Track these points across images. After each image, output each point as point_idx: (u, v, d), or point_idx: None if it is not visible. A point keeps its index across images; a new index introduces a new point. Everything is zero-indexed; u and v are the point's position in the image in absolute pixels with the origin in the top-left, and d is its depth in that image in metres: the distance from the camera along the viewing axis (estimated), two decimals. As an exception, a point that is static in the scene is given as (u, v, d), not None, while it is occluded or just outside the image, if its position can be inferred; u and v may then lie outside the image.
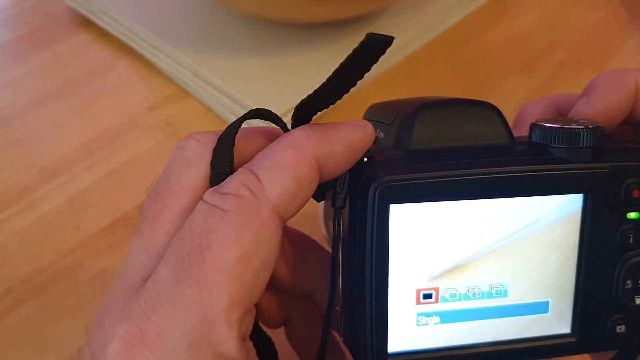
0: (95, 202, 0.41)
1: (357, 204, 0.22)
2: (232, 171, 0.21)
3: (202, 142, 0.22)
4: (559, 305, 0.24)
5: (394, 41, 0.19)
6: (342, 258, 0.23)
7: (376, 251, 0.22)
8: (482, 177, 0.22)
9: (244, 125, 0.22)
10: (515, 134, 0.24)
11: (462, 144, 0.23)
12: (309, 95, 0.21)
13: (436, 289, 0.23)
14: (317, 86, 0.21)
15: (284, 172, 0.20)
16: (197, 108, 0.47)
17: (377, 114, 0.27)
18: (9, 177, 0.42)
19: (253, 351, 0.25)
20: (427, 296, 0.23)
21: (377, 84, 0.47)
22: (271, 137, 0.23)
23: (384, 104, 0.28)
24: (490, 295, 0.23)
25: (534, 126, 0.24)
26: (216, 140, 0.22)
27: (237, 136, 0.22)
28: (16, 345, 0.34)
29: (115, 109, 0.47)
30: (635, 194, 0.23)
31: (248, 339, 0.22)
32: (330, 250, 0.23)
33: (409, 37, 0.50)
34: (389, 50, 0.20)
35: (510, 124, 0.25)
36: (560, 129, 0.23)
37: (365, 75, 0.21)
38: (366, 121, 0.22)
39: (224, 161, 0.21)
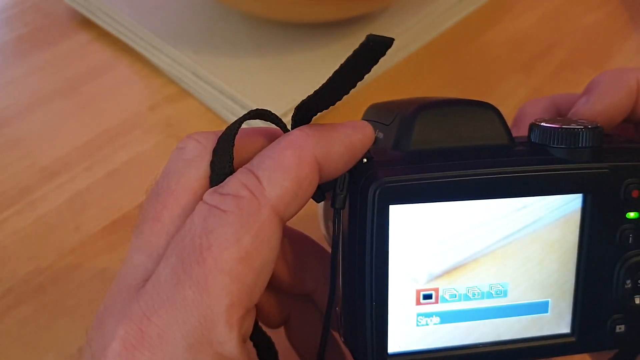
0: (95, 202, 0.41)
1: (357, 205, 0.22)
2: (232, 171, 0.21)
3: (202, 143, 0.22)
4: (558, 305, 0.24)
5: (395, 41, 0.19)
6: (342, 258, 0.23)
7: (376, 252, 0.22)
8: (482, 177, 0.22)
9: (244, 125, 0.22)
10: (514, 134, 0.24)
11: (461, 144, 0.23)
12: (309, 96, 0.21)
13: (436, 290, 0.23)
14: (317, 86, 0.21)
15: (283, 172, 0.20)
16: (197, 108, 0.47)
17: (376, 114, 0.27)
18: (9, 177, 0.42)
19: (253, 351, 0.25)
20: (427, 297, 0.23)
21: (377, 84, 0.47)
22: (271, 138, 0.23)
23: (383, 104, 0.28)
24: (490, 295, 0.23)
25: (533, 126, 0.24)
26: (216, 141, 0.22)
27: (237, 136, 0.22)
28: (16, 345, 0.34)
29: (115, 109, 0.47)
30: (635, 193, 0.23)
31: (248, 340, 0.22)
32: (330, 250, 0.23)
33: (409, 37, 0.50)
34: (389, 50, 0.20)
35: (509, 124, 0.25)
36: (560, 129, 0.23)
37: (365, 76, 0.21)
38: (366, 122, 0.22)
39: (223, 161, 0.21)
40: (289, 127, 0.23)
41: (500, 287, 0.23)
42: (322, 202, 0.27)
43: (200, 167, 0.21)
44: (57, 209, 0.40)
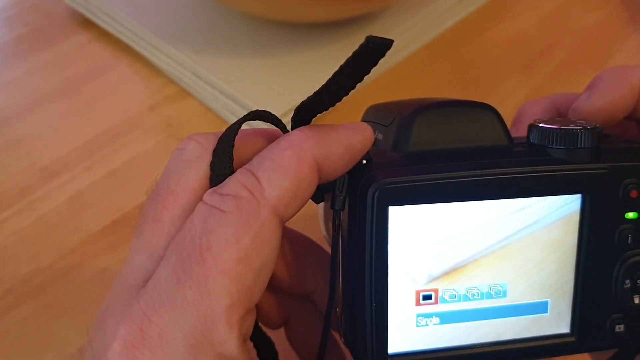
0: (95, 202, 0.41)
1: (356, 206, 0.22)
2: (231, 172, 0.21)
3: (202, 144, 0.22)
4: (558, 305, 0.24)
5: (395, 41, 0.19)
6: (341, 259, 0.23)
7: (375, 253, 0.22)
8: (481, 178, 0.22)
9: (244, 126, 0.22)
10: (514, 134, 0.24)
11: (460, 145, 0.23)
12: (308, 97, 0.21)
13: (436, 290, 0.23)
14: (317, 86, 0.21)
15: (283, 173, 0.20)
16: (197, 108, 0.47)
17: (375, 115, 0.27)
18: (9, 177, 0.42)
19: (254, 352, 0.25)
20: (427, 297, 0.23)
21: (377, 85, 0.47)
22: (271, 139, 0.23)
23: (382, 105, 0.28)
24: (489, 295, 0.23)
25: (532, 127, 0.24)
26: (216, 142, 0.22)
27: (237, 137, 0.22)
28: (16, 345, 0.34)
29: (115, 109, 0.47)
30: (634, 194, 0.23)
31: (249, 340, 0.22)
32: (329, 250, 0.23)
33: (409, 37, 0.50)
34: (389, 50, 0.20)
35: (509, 124, 0.25)
36: (558, 130, 0.23)
37: (364, 77, 0.21)
38: (366, 124, 0.22)
39: (223, 162, 0.21)
40: (288, 127, 0.23)
41: (500, 288, 0.23)
42: (322, 203, 0.27)
43: (200, 168, 0.21)
44: (57, 209, 0.40)
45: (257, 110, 0.23)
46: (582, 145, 0.23)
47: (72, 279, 0.37)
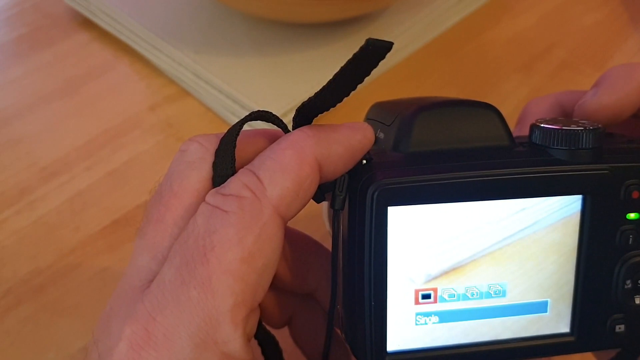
0: (95, 202, 0.41)
1: (356, 206, 0.22)
2: (234, 172, 0.21)
3: (204, 145, 0.22)
4: (558, 305, 0.24)
5: (395, 42, 0.19)
6: (342, 258, 0.23)
7: (375, 253, 0.22)
8: (481, 179, 0.22)
9: (246, 127, 0.22)
10: (518, 132, 0.24)
11: (461, 145, 0.23)
12: (309, 97, 0.21)
13: (435, 290, 0.23)
14: (317, 86, 0.21)
15: (284, 172, 0.20)
16: (197, 108, 0.47)
17: (378, 113, 0.27)
18: (9, 177, 0.42)
19: (258, 350, 0.25)
20: (426, 296, 0.23)
21: (378, 84, 0.47)
22: (272, 139, 0.23)
23: (386, 103, 0.28)
24: (488, 295, 0.23)
25: (533, 127, 0.24)
26: (218, 143, 0.22)
27: (238, 138, 0.22)
28: (16, 345, 0.34)
29: (115, 109, 0.47)
30: (635, 194, 0.23)
31: (253, 339, 0.22)
32: (331, 248, 0.23)
33: (409, 37, 0.50)
34: (388, 53, 0.20)
35: (510, 123, 0.25)
36: (560, 130, 0.23)
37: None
38: (366, 124, 0.22)
39: (225, 162, 0.21)
40: (290, 128, 0.23)
41: (499, 287, 0.23)
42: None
43: (203, 169, 0.22)
44: (57, 209, 0.40)
45: (258, 110, 0.23)
46: (584, 146, 0.23)
47: (72, 279, 0.37)
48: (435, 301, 0.23)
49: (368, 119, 0.28)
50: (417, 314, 0.23)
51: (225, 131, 0.22)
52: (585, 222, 0.23)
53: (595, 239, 0.23)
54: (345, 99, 0.22)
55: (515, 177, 0.22)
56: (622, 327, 0.24)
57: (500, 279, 0.23)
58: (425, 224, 0.22)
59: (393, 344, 0.23)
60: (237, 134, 0.22)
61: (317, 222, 0.37)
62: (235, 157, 0.22)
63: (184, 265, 0.19)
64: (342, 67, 0.20)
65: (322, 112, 0.22)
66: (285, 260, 0.26)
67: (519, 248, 0.23)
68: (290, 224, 0.22)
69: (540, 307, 0.24)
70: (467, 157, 0.23)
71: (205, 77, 0.46)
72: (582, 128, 0.23)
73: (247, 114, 0.23)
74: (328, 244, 0.27)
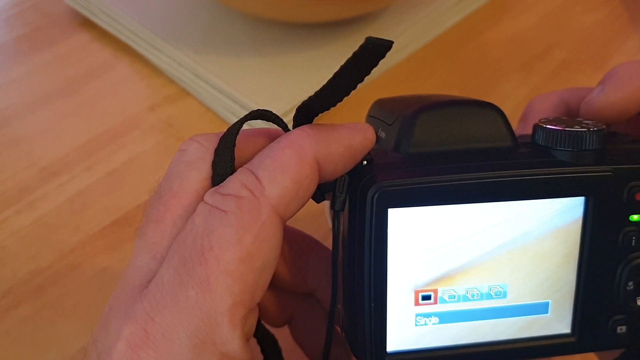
0: (95, 202, 0.41)
1: (356, 208, 0.22)
2: (233, 171, 0.21)
3: (204, 145, 0.22)
4: (559, 306, 0.24)
5: (395, 42, 0.19)
6: (342, 258, 0.23)
7: (374, 254, 0.22)
8: (482, 181, 0.22)
9: (246, 126, 0.22)
10: (521, 131, 0.24)
11: (462, 146, 0.23)
12: (309, 97, 0.21)
13: (435, 291, 0.23)
14: (317, 86, 0.21)
15: (283, 172, 0.20)
16: (197, 108, 0.47)
17: (380, 111, 0.27)
18: (9, 177, 0.42)
19: (257, 349, 0.25)
20: (426, 297, 0.23)
21: (378, 84, 0.47)
22: (272, 138, 0.23)
23: (387, 100, 0.28)
24: (489, 296, 0.23)
25: (536, 127, 0.24)
26: (218, 142, 0.22)
27: (238, 137, 0.22)
28: (16, 345, 0.34)
29: (115, 109, 0.47)
30: (638, 196, 0.23)
31: (252, 338, 0.22)
32: (331, 247, 0.23)
33: (409, 37, 0.50)
34: (389, 52, 0.20)
35: (511, 123, 0.24)
36: (563, 132, 0.23)
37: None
38: (368, 125, 0.22)
39: (225, 162, 0.21)
40: (290, 127, 0.23)
41: (500, 289, 0.23)
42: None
43: (202, 169, 0.21)
44: (57, 209, 0.40)
45: (258, 109, 0.23)
46: (587, 147, 0.22)
47: (72, 279, 0.37)
48: (435, 302, 0.23)
49: (369, 117, 0.27)
50: (417, 315, 0.23)
51: (225, 130, 0.22)
52: (588, 224, 0.23)
53: (597, 240, 0.23)
54: (346, 98, 0.21)
55: (518, 179, 0.22)
56: (624, 328, 0.24)
57: (501, 280, 0.23)
58: (426, 226, 0.22)
59: (393, 345, 0.23)
60: (237, 133, 0.22)
61: (317, 222, 0.37)
62: (235, 157, 0.21)
63: (182, 266, 0.19)
64: (342, 66, 0.20)
65: (322, 111, 0.22)
66: (285, 260, 0.26)
67: (521, 250, 0.23)
68: (290, 222, 0.22)
69: (541, 308, 0.24)
70: (468, 158, 0.23)
71: (205, 77, 0.46)
72: (585, 129, 0.23)
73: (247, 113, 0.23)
74: (328, 243, 0.27)
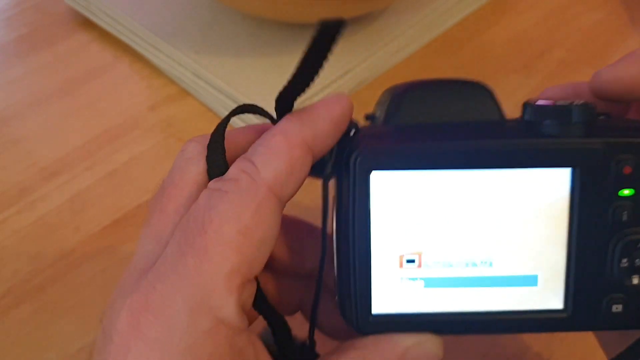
0: (95, 202, 0.41)
1: (342, 173, 0.23)
2: (225, 163, 0.23)
3: (202, 143, 0.24)
4: (549, 280, 0.23)
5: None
6: (335, 224, 0.24)
7: (358, 217, 0.22)
8: (467, 147, 0.22)
9: (241, 123, 0.23)
10: None
11: (450, 119, 0.24)
12: (284, 85, 0.23)
13: (419, 254, 0.23)
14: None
15: (276, 156, 0.22)
16: (197, 108, 0.47)
17: (382, 96, 0.27)
18: (9, 177, 0.42)
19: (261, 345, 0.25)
20: (410, 261, 0.23)
21: (378, 84, 0.47)
22: (262, 131, 0.24)
23: (392, 86, 0.28)
24: (474, 264, 0.23)
25: (525, 105, 0.24)
26: None
27: (234, 134, 0.24)
28: (16, 345, 0.34)
29: (115, 109, 0.47)
30: (627, 170, 0.22)
31: (250, 313, 0.22)
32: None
33: (408, 37, 0.50)
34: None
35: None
36: (552, 106, 0.23)
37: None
38: (340, 93, 0.24)
39: (217, 154, 0.23)
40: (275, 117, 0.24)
41: (486, 258, 0.23)
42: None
43: (201, 163, 0.23)
44: (57, 209, 0.40)
45: (244, 104, 0.25)
46: (574, 120, 0.22)
47: (72, 279, 0.37)
48: (419, 266, 0.23)
49: (376, 104, 0.28)
50: (402, 278, 0.23)
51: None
52: (575, 197, 0.23)
53: (586, 215, 0.23)
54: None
55: (504, 147, 0.22)
56: (620, 307, 0.23)
57: (487, 249, 0.23)
58: (409, 190, 0.22)
59: (378, 307, 0.23)
60: (225, 127, 0.24)
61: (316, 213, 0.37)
62: (228, 149, 0.23)
63: (184, 239, 0.21)
64: (305, 51, 0.21)
65: (298, 95, 0.23)
66: (284, 244, 0.27)
67: (506, 219, 0.23)
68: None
69: (529, 281, 0.23)
70: (455, 127, 0.23)
71: (205, 77, 0.46)
72: (571, 103, 0.23)
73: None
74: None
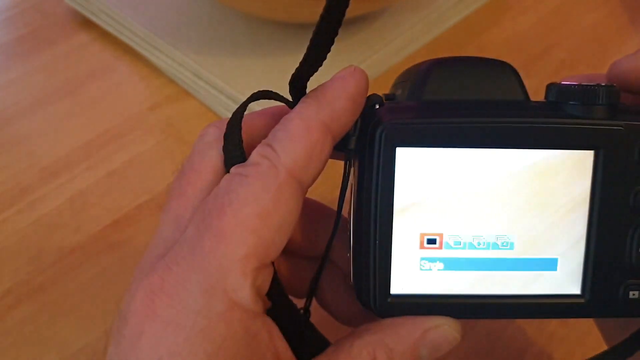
0: (95, 202, 0.41)
1: (365, 147, 0.22)
2: (242, 153, 0.22)
3: (221, 128, 0.24)
4: (567, 264, 0.23)
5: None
6: (352, 204, 0.24)
7: (381, 194, 0.22)
8: (492, 126, 0.22)
9: (257, 107, 0.23)
10: None
11: (474, 97, 0.23)
12: (296, 68, 0.23)
13: (440, 235, 0.23)
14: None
15: (294, 140, 0.21)
16: (197, 108, 0.47)
17: (401, 76, 0.27)
18: (9, 177, 0.42)
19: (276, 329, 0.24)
20: (431, 241, 0.23)
21: (378, 84, 0.47)
22: (277, 114, 0.24)
23: (411, 66, 0.28)
24: (495, 246, 0.23)
25: (549, 85, 0.24)
26: None
27: (250, 119, 0.24)
28: (16, 345, 0.34)
29: (115, 109, 0.47)
30: None
31: (266, 299, 0.22)
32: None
33: (409, 37, 0.50)
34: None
35: None
36: (576, 86, 0.22)
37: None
38: (352, 66, 0.23)
39: (234, 144, 0.23)
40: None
41: (507, 239, 0.23)
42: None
43: (220, 148, 0.23)
44: (57, 209, 0.40)
45: (259, 90, 0.24)
46: (599, 102, 0.22)
47: (72, 279, 0.37)
48: (440, 247, 0.23)
49: (394, 85, 0.28)
50: (422, 259, 0.23)
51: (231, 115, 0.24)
52: (597, 181, 0.22)
53: (607, 199, 0.22)
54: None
55: (527, 127, 0.22)
56: (637, 293, 0.23)
57: (508, 231, 0.23)
58: (434, 167, 0.22)
59: (397, 287, 0.23)
60: (242, 116, 0.23)
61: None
62: (245, 138, 0.23)
63: (202, 221, 0.21)
64: (315, 28, 0.21)
65: (311, 75, 0.23)
66: (300, 226, 0.27)
67: (529, 201, 0.22)
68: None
69: (549, 265, 0.23)
70: (480, 105, 0.23)
71: (205, 77, 0.46)
72: (597, 84, 0.22)
73: (250, 108, 0.24)
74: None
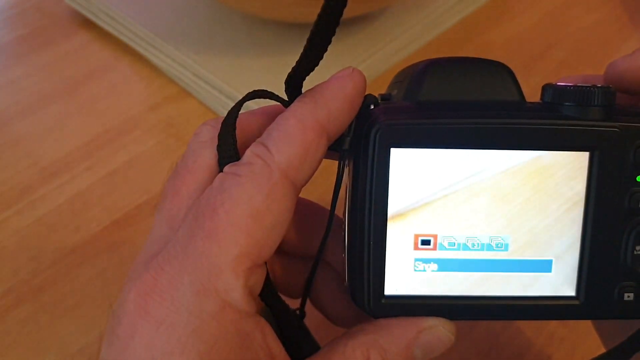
0: (95, 202, 0.41)
1: (360, 148, 0.22)
2: (236, 152, 0.22)
3: (215, 127, 0.23)
4: (562, 266, 0.23)
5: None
6: (346, 206, 0.24)
7: (376, 193, 0.22)
8: (487, 127, 0.22)
9: (254, 105, 0.23)
10: None
11: (470, 97, 0.23)
12: (292, 67, 0.22)
13: (435, 236, 0.23)
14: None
15: (289, 140, 0.21)
16: (197, 108, 0.47)
17: (396, 77, 0.27)
18: (9, 177, 0.42)
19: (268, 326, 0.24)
20: (425, 242, 0.23)
21: (378, 84, 0.47)
22: (272, 113, 0.24)
23: (407, 66, 0.28)
24: (490, 247, 0.23)
25: (545, 86, 0.24)
26: None
27: (245, 118, 0.24)
28: (16, 345, 0.34)
29: (115, 109, 0.47)
30: None
31: (259, 299, 0.22)
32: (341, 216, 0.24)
33: (409, 37, 0.50)
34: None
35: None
36: (572, 87, 0.22)
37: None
38: (350, 67, 0.23)
39: (228, 144, 0.23)
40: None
41: (501, 240, 0.23)
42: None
43: (214, 147, 0.23)
44: (57, 209, 0.40)
45: (254, 90, 0.24)
46: (594, 103, 0.22)
47: (72, 279, 0.37)
48: (434, 248, 0.23)
49: (390, 85, 0.28)
50: (416, 260, 0.23)
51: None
52: (592, 182, 0.22)
53: (602, 201, 0.22)
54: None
55: (522, 128, 0.22)
56: (631, 295, 0.23)
57: (502, 231, 0.23)
58: (428, 168, 0.22)
59: (391, 288, 0.23)
60: (236, 116, 0.23)
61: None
62: (240, 133, 0.23)
63: (195, 220, 0.21)
64: (311, 31, 0.21)
65: (307, 74, 0.23)
66: (293, 225, 0.27)
67: (524, 202, 0.22)
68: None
69: (544, 266, 0.23)
70: (475, 106, 0.23)
71: (205, 77, 0.46)
72: (592, 85, 0.22)
73: (247, 107, 0.24)
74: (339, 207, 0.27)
